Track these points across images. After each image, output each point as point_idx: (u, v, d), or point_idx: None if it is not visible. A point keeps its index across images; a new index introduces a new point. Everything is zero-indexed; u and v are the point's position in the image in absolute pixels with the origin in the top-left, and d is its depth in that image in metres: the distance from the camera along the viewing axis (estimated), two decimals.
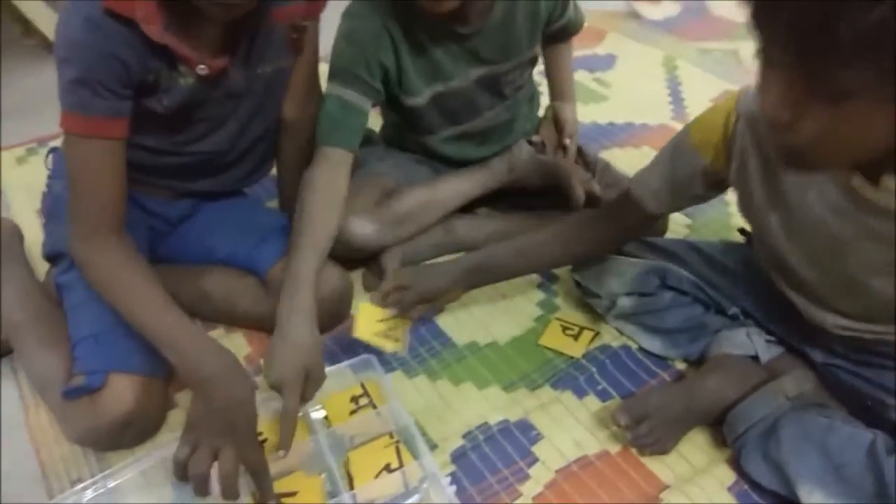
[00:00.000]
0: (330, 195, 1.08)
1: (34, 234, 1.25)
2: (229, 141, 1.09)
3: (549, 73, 1.41)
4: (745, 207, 0.92)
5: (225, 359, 0.91)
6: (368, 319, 1.05)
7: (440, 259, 1.28)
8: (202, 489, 0.85)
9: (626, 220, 1.05)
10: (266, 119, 1.13)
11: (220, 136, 1.08)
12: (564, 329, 1.15)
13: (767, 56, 0.63)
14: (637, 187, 1.00)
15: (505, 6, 1.14)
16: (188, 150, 1.07)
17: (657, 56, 2.03)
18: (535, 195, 1.32)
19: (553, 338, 1.15)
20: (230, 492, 0.84)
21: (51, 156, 1.17)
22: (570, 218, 1.12)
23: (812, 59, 0.58)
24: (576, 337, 1.14)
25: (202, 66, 0.94)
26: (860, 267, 0.82)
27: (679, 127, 1.66)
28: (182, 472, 0.86)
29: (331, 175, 1.09)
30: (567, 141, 1.33)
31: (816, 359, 0.98)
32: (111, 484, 0.94)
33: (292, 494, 0.87)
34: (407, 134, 1.27)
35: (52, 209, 1.14)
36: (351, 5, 1.14)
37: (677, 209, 1.01)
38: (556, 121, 1.36)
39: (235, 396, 0.87)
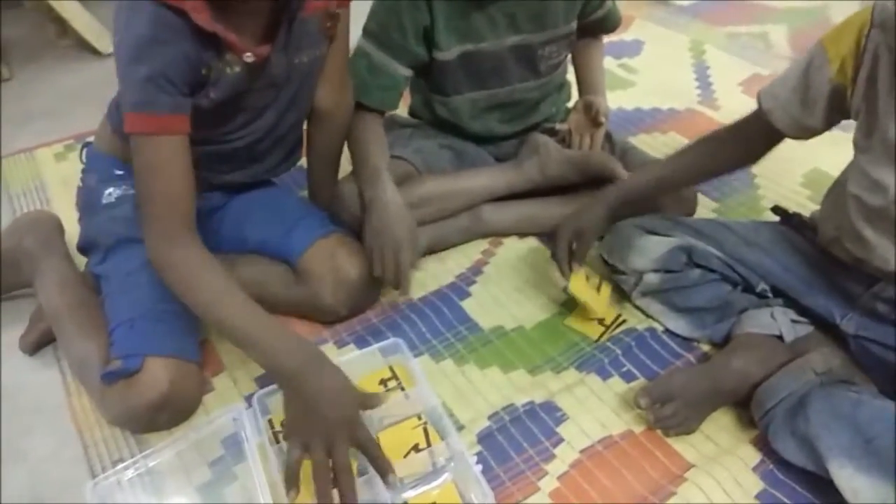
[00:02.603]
0: (377, 133, 1.23)
1: (74, 227, 1.29)
2: (266, 130, 1.11)
3: (580, 70, 1.40)
4: (867, 119, 0.90)
5: (309, 350, 0.91)
6: (580, 279, 1.14)
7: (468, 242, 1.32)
8: (327, 492, 0.84)
9: (754, 137, 1.05)
10: (301, 108, 1.15)
11: (258, 126, 1.10)
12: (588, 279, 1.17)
13: None
14: (767, 99, 0.99)
15: None
16: (226, 140, 1.09)
17: (684, 41, 2.01)
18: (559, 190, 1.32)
19: (579, 318, 1.16)
20: (349, 487, 0.84)
21: (85, 150, 1.20)
22: (699, 142, 1.13)
23: None
24: (601, 322, 1.15)
25: (248, 54, 0.96)
26: None
27: (707, 112, 1.68)
28: (293, 478, 0.85)
29: (372, 124, 1.23)
30: (602, 119, 1.32)
31: (849, 330, 0.98)
32: (150, 464, 0.98)
33: None
34: (433, 100, 1.29)
35: (86, 202, 1.17)
36: None
37: (800, 134, 0.99)
38: (588, 107, 1.35)
39: (330, 385, 0.88)
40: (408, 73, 1.22)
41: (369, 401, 0.91)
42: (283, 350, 0.90)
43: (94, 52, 2.10)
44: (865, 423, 0.86)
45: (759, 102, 1.00)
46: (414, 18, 1.15)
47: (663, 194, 1.22)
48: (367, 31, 1.19)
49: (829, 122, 0.96)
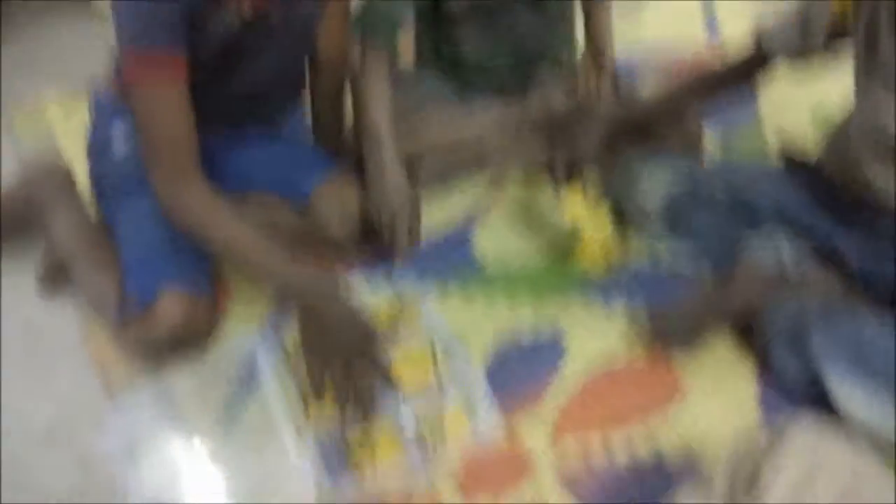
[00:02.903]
0: (384, 90, 1.18)
1: (85, 177, 1.31)
2: (265, 74, 1.11)
3: (588, 31, 1.37)
4: (867, 58, 0.91)
5: (329, 279, 0.98)
6: (575, 201, 1.15)
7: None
8: (347, 403, 0.91)
9: (750, 69, 1.06)
10: (301, 56, 1.15)
11: (256, 74, 1.10)
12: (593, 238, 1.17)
13: None
14: (765, 38, 1.00)
15: None
16: (225, 86, 1.10)
17: None
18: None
19: (585, 252, 1.17)
20: (371, 402, 0.91)
21: (93, 97, 1.21)
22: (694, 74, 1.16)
23: None
24: (606, 254, 1.17)
25: (247, 6, 0.96)
26: None
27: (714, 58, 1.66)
28: (320, 387, 0.93)
29: (381, 80, 1.19)
30: (606, 63, 1.32)
31: (852, 259, 0.99)
32: (167, 387, 1.01)
33: (370, 439, 0.92)
34: (438, 30, 1.28)
35: (95, 148, 1.19)
36: None
37: (798, 55, 0.99)
38: (594, 53, 1.35)
39: (349, 311, 0.94)
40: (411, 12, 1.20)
41: (382, 338, 0.95)
42: (305, 280, 0.95)
43: None
44: (865, 341, 0.88)
45: (758, 40, 1.01)
46: None
47: (663, 116, 1.20)
48: None
49: (828, 44, 0.96)
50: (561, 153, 1.15)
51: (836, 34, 0.93)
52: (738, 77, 1.09)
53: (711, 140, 1.37)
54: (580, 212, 1.14)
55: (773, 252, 1.05)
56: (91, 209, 1.24)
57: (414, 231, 1.13)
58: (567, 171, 1.15)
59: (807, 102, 1.46)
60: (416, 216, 1.14)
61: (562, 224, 1.17)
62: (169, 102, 0.95)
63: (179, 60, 0.94)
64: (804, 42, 0.97)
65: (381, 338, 1.02)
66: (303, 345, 0.94)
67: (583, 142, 1.14)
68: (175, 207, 0.97)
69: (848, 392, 0.87)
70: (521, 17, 1.26)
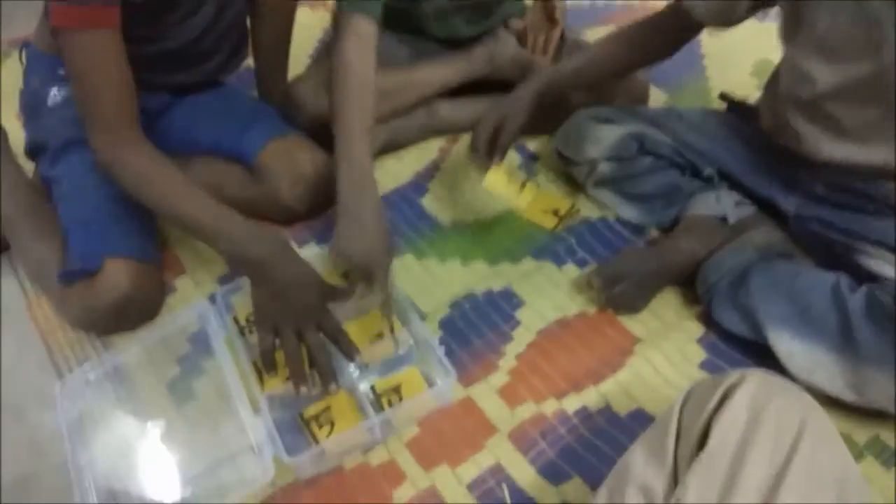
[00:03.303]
0: (367, 74, 1.05)
1: (16, 138, 1.25)
2: (205, 27, 1.07)
3: None
4: (793, 12, 0.91)
5: (274, 239, 0.92)
6: (499, 173, 1.10)
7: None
8: (301, 373, 0.87)
9: (673, 30, 1.06)
10: (240, 3, 1.11)
11: (196, 22, 1.06)
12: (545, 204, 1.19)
13: None
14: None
15: None
16: (163, 37, 1.05)
17: None
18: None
19: (534, 210, 1.18)
20: (326, 364, 0.87)
21: (24, 51, 1.15)
22: (618, 35, 1.12)
23: None
24: (555, 213, 1.17)
25: None
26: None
27: (660, 5, 1.66)
28: (271, 361, 0.89)
29: (364, 52, 1.05)
30: (558, 16, 1.30)
31: (790, 209, 1.03)
32: (116, 361, 0.99)
33: (326, 410, 0.91)
34: (396, 5, 1.22)
35: (30, 103, 1.13)
36: None
37: (722, 25, 1.00)
38: (547, 6, 1.33)
39: (297, 272, 0.90)
40: None
41: (338, 294, 0.93)
42: (249, 238, 0.90)
43: None
44: (802, 293, 0.92)
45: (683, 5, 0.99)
46: None
47: (586, 84, 1.19)
48: None
49: (753, 10, 0.97)
50: (485, 120, 1.09)
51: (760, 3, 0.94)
52: (663, 38, 1.08)
53: (657, 95, 1.38)
54: (500, 186, 1.11)
55: (715, 202, 1.07)
56: (27, 169, 1.19)
57: (385, 285, 0.97)
58: (491, 141, 1.09)
59: (751, 59, 1.48)
60: (388, 268, 0.98)
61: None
62: (102, 48, 0.89)
63: (111, 9, 0.89)
64: (726, 8, 0.97)
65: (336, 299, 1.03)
66: (254, 313, 0.92)
67: (509, 108, 1.10)
68: (113, 163, 0.93)
69: (787, 345, 0.91)
70: None
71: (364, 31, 1.06)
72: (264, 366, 0.89)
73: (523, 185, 1.14)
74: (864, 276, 0.93)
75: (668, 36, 1.08)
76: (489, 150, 1.10)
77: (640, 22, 1.09)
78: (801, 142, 0.97)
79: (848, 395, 0.87)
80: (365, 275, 0.94)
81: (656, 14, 1.07)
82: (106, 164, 0.94)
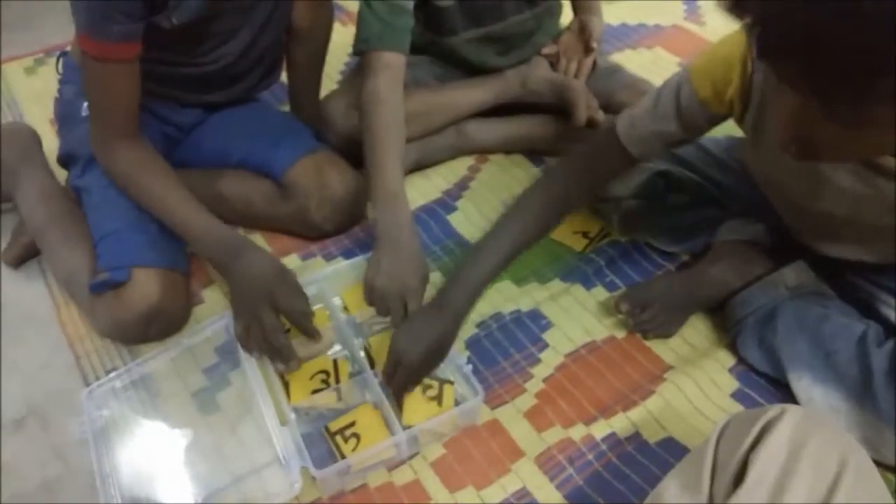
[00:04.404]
0: (397, 106, 1.06)
1: (49, 142, 1.27)
2: (240, 52, 1.09)
3: (576, 9, 1.35)
4: (755, 147, 0.89)
5: (234, 240, 0.98)
6: (416, 403, 0.92)
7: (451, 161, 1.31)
8: (270, 352, 0.93)
9: (610, 168, 0.98)
10: (276, 29, 1.12)
11: (231, 48, 1.07)
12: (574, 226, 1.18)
13: (780, 78, 0.60)
14: (630, 141, 0.92)
15: None
16: (199, 62, 1.07)
17: None
18: (545, 111, 1.31)
19: (564, 232, 1.17)
20: (280, 344, 0.92)
21: (61, 60, 1.17)
22: (536, 184, 0.98)
23: (830, 99, 0.57)
24: (584, 234, 1.17)
25: None
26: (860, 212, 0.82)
27: (692, 28, 1.67)
28: (244, 346, 0.94)
29: (394, 85, 1.07)
30: (594, 45, 1.29)
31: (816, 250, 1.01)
32: (145, 371, 1.00)
33: (352, 425, 0.91)
34: (427, 35, 1.23)
35: (65, 113, 1.15)
36: None
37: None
38: (583, 30, 1.32)
39: (250, 263, 0.95)
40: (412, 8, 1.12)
41: (294, 290, 0.95)
42: (211, 241, 0.98)
43: None
44: (828, 338, 0.90)
45: (619, 140, 0.92)
46: None
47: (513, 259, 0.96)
48: None
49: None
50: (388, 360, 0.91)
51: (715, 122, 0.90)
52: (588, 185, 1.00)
53: None
54: (419, 417, 0.92)
55: (746, 227, 1.06)
56: (60, 176, 1.20)
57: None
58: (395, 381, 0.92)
59: None
60: (422, 296, 0.97)
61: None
62: (116, 77, 0.96)
63: (132, 46, 0.94)
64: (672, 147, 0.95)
65: (360, 321, 1.03)
66: (231, 306, 0.97)
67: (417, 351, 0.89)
68: (105, 161, 1.02)
69: (807, 389, 0.89)
70: (509, 17, 1.23)
71: (394, 64, 1.08)
72: (245, 351, 0.95)
73: (440, 393, 0.93)
74: (891, 328, 0.91)
75: (598, 175, 0.99)
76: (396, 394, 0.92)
77: (558, 165, 1.00)
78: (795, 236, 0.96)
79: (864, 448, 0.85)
80: (399, 307, 0.94)
81: (582, 151, 0.98)
82: (99, 160, 1.03)
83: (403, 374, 0.88)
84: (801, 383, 0.90)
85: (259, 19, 1.06)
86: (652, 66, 1.53)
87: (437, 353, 0.90)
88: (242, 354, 0.95)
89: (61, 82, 1.16)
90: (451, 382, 0.94)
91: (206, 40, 1.04)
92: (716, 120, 0.90)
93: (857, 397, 0.86)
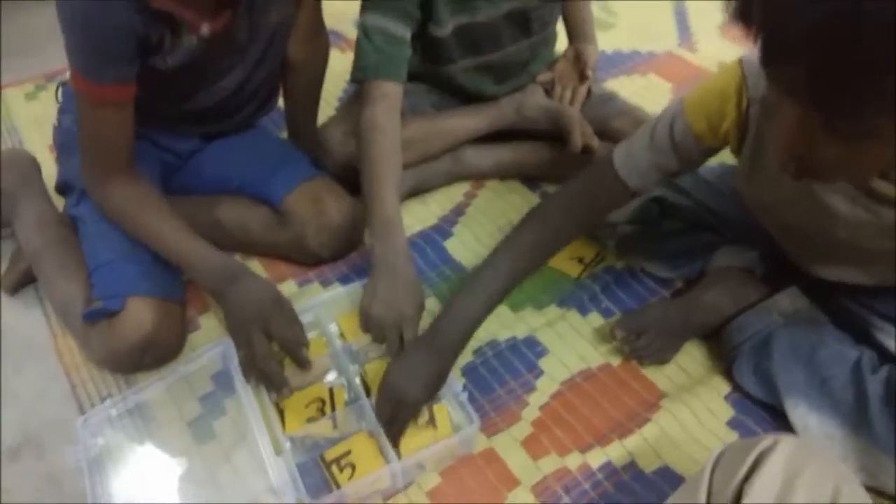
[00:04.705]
0: (394, 134, 1.07)
1: (48, 169, 1.27)
2: (235, 88, 1.10)
3: (569, 15, 1.37)
4: (752, 177, 0.89)
5: (228, 269, 0.98)
6: (410, 433, 0.92)
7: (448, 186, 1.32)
8: (262, 379, 0.93)
9: (607, 201, 0.98)
10: (271, 64, 1.13)
11: (225, 85, 1.08)
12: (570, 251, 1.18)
13: (780, 91, 0.61)
14: (623, 167, 0.93)
15: None
16: (195, 98, 1.08)
17: None
18: (541, 138, 1.32)
19: (559, 258, 1.17)
20: (271, 370, 0.92)
21: (61, 89, 1.18)
22: (530, 215, 0.98)
23: (831, 109, 0.58)
24: (580, 260, 1.18)
25: (205, 28, 0.94)
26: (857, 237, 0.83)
27: (685, 55, 1.69)
28: (246, 372, 0.94)
29: (391, 113, 1.08)
30: (589, 73, 1.31)
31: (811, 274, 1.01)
32: (140, 399, 1.00)
33: (347, 454, 0.90)
34: (424, 63, 1.25)
35: (63, 141, 1.16)
36: None
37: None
38: (578, 58, 1.34)
39: (243, 290, 0.95)
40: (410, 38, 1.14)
41: (288, 313, 0.95)
42: (206, 270, 0.99)
43: None
44: (822, 365, 0.90)
45: (615, 173, 0.93)
46: None
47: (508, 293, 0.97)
48: (371, 5, 1.09)
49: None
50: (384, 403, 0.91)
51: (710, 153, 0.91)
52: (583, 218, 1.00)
53: None
54: (415, 445, 0.91)
55: (741, 253, 1.07)
56: (59, 203, 1.21)
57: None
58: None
59: None
60: (417, 324, 0.97)
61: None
62: (109, 117, 0.97)
63: (126, 88, 0.95)
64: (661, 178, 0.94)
65: (356, 349, 1.03)
66: (229, 333, 0.97)
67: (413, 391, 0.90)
68: (97, 198, 1.03)
69: (803, 417, 0.89)
70: (506, 46, 1.24)
71: (391, 93, 1.09)
72: (247, 379, 0.95)
73: (432, 417, 0.93)
74: (886, 354, 0.91)
75: (596, 207, 0.99)
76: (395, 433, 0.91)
77: (555, 196, 0.99)
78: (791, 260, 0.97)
79: (860, 477, 0.84)
80: (394, 336, 0.94)
81: (577, 183, 0.97)
82: (91, 197, 1.03)
83: (405, 413, 0.88)
84: (798, 411, 0.90)
85: (254, 56, 1.07)
86: (646, 93, 1.54)
87: (434, 388, 0.91)
88: (238, 382, 0.95)
89: (60, 111, 1.18)
90: (439, 401, 0.95)
91: (200, 79, 1.05)
92: (710, 152, 0.91)
93: (852, 424, 0.86)
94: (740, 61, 0.82)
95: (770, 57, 0.59)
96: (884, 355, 0.91)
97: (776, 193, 0.86)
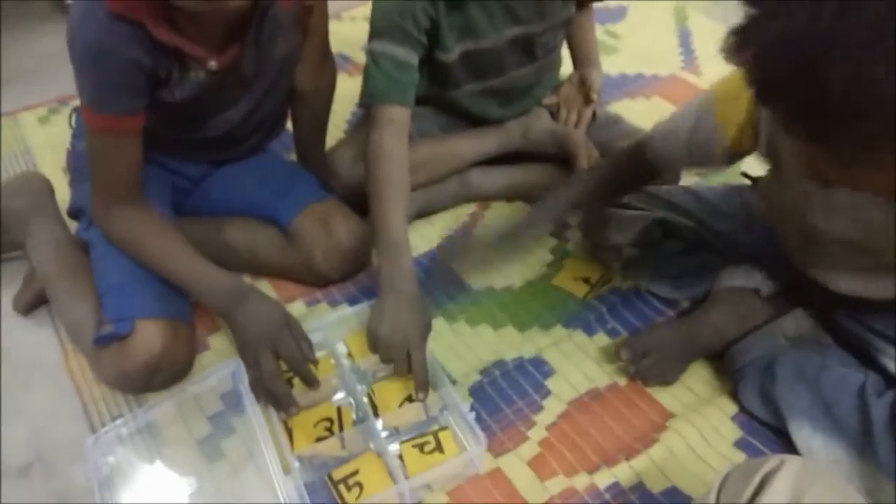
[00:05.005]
0: (402, 158, 1.09)
1: (60, 192, 1.29)
2: (242, 119, 1.11)
3: (573, 40, 1.39)
4: (774, 165, 0.91)
5: (236, 289, 1.00)
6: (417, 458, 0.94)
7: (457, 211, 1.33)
8: (271, 400, 0.95)
9: (640, 179, 1.09)
10: (278, 94, 1.15)
11: (232, 116, 1.10)
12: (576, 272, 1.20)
13: (778, 123, 0.63)
14: (654, 151, 1.00)
15: None
16: (202, 129, 1.10)
17: (668, 7, 2.02)
18: (547, 160, 1.34)
19: (565, 278, 1.19)
20: (280, 391, 0.93)
21: (74, 114, 1.20)
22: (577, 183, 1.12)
23: (829, 144, 0.59)
24: (586, 280, 1.19)
25: (213, 63, 0.96)
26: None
27: (689, 77, 1.71)
28: (258, 393, 0.96)
29: (399, 137, 1.10)
30: (594, 97, 1.33)
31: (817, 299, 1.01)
32: (150, 418, 1.00)
33: (355, 473, 0.91)
34: (431, 87, 1.26)
35: (76, 166, 1.17)
36: None
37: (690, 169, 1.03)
38: (582, 83, 1.36)
39: (252, 311, 0.96)
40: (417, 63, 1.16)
41: (298, 334, 0.96)
42: (214, 292, 1.00)
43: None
44: (827, 388, 0.91)
45: (646, 152, 1.01)
46: (425, 10, 1.10)
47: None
48: (379, 32, 1.11)
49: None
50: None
51: (735, 156, 0.94)
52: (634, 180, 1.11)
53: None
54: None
55: (745, 274, 1.07)
56: (71, 225, 1.22)
57: (419, 368, 0.96)
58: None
59: None
60: (424, 346, 0.98)
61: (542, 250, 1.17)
62: (118, 148, 0.98)
63: (135, 120, 0.96)
64: (693, 165, 1.01)
65: (363, 367, 1.03)
66: (239, 353, 0.99)
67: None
68: (103, 226, 1.04)
69: (807, 439, 0.89)
70: (511, 71, 1.26)
71: (399, 118, 1.11)
72: (259, 399, 0.96)
73: (439, 443, 0.95)
74: (890, 377, 0.91)
75: (636, 183, 1.11)
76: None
77: (602, 176, 1.12)
78: (807, 269, 0.97)
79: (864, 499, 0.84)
80: (402, 356, 0.96)
81: (623, 164, 1.09)
82: (98, 224, 1.04)
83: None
84: (802, 433, 0.90)
85: (261, 88, 1.09)
86: (650, 115, 1.55)
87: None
88: (247, 401, 0.96)
89: (74, 135, 1.19)
90: (445, 428, 0.95)
91: (207, 111, 1.07)
92: (727, 156, 0.93)
93: (858, 448, 0.86)
94: None
95: (762, 95, 0.61)
96: (887, 379, 0.91)
97: (794, 195, 0.87)
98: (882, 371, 0.92)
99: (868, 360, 0.95)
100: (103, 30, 0.88)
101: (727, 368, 1.01)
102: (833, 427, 0.88)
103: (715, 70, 1.06)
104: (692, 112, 0.96)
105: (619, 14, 1.99)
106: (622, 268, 1.17)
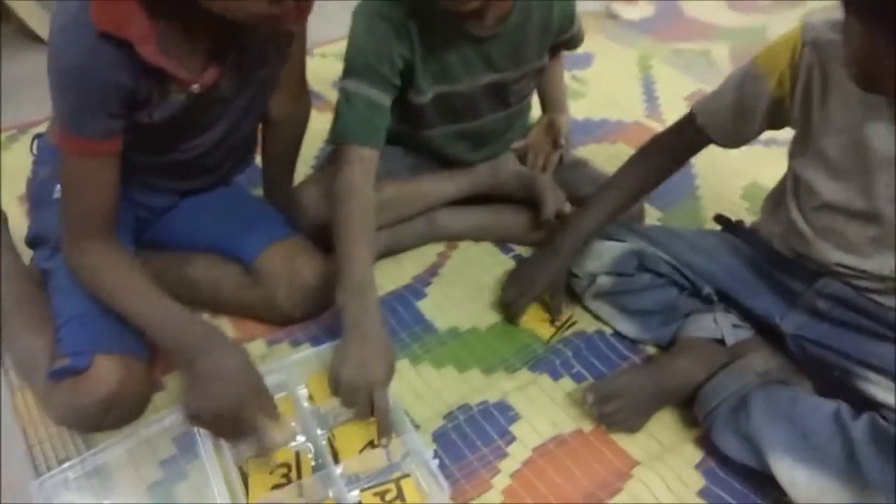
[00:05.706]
0: (369, 197, 1.09)
1: (16, 221, 1.25)
2: (214, 143, 1.10)
3: (543, 85, 1.40)
4: (803, 129, 0.98)
5: (204, 329, 0.94)
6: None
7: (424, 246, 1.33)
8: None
9: (684, 148, 1.13)
10: (252, 120, 1.14)
11: (206, 140, 1.08)
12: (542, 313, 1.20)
13: (848, 12, 0.75)
14: (702, 115, 1.06)
15: (520, 13, 1.15)
16: (175, 151, 1.08)
17: (632, 55, 2.08)
18: (515, 202, 1.34)
19: (531, 319, 1.19)
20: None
21: (36, 142, 1.17)
22: (632, 166, 1.16)
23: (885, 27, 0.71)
24: (552, 322, 1.19)
25: (196, 86, 0.95)
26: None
27: (652, 124, 1.74)
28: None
29: (366, 177, 1.10)
30: (562, 142, 1.35)
31: (788, 330, 1.03)
32: (99, 461, 0.96)
33: None
34: (402, 125, 1.25)
35: (37, 195, 1.14)
36: (368, 2, 1.12)
37: (733, 144, 1.06)
38: (551, 127, 1.38)
39: (228, 365, 0.90)
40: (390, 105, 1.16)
41: (266, 400, 0.92)
42: (180, 341, 0.93)
43: (37, 38, 2.03)
44: (803, 419, 0.91)
45: (695, 118, 1.06)
46: (401, 53, 1.11)
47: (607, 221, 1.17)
48: (353, 72, 1.11)
49: (763, 131, 1.04)
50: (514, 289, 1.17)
51: (773, 117, 1.00)
52: (673, 156, 1.15)
53: (651, 213, 1.42)
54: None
55: (713, 324, 1.08)
56: (25, 256, 1.18)
57: (383, 413, 0.95)
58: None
59: (742, 182, 1.53)
60: (388, 386, 0.97)
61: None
62: (93, 175, 0.94)
63: (111, 142, 0.93)
64: (738, 129, 1.04)
65: (324, 411, 1.01)
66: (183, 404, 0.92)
67: (541, 276, 1.16)
68: (73, 266, 0.98)
69: (789, 473, 0.89)
70: (484, 116, 1.27)
71: (367, 157, 1.10)
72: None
73: (400, 492, 0.94)
74: (862, 403, 0.93)
75: (681, 153, 1.14)
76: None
77: (653, 146, 1.15)
78: (808, 248, 1.01)
79: None
80: (364, 399, 0.94)
81: (667, 135, 1.13)
82: (68, 264, 0.98)
83: (530, 296, 1.15)
84: (783, 466, 0.90)
85: (237, 111, 1.08)
86: (615, 161, 1.57)
87: (552, 279, 1.15)
88: (202, 447, 0.92)
89: (35, 163, 1.16)
90: (407, 476, 0.93)
91: (182, 133, 1.05)
92: (773, 109, 1.00)
93: (842, 473, 0.87)
94: (802, 22, 0.96)
95: None
96: (858, 405, 0.92)
97: (824, 140, 0.95)
98: (855, 398, 0.93)
99: (838, 389, 0.96)
100: (87, 50, 0.85)
101: (697, 411, 1.00)
102: (814, 456, 0.89)
103: (677, 116, 1.11)
104: (735, 75, 1.03)
105: (585, 60, 2.03)
106: (592, 297, 1.18)
